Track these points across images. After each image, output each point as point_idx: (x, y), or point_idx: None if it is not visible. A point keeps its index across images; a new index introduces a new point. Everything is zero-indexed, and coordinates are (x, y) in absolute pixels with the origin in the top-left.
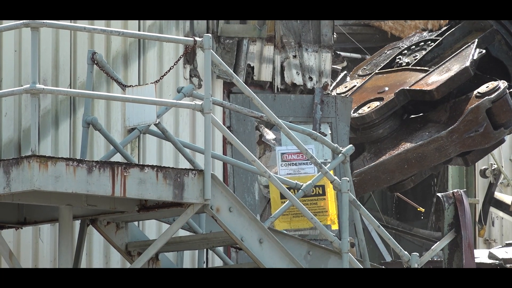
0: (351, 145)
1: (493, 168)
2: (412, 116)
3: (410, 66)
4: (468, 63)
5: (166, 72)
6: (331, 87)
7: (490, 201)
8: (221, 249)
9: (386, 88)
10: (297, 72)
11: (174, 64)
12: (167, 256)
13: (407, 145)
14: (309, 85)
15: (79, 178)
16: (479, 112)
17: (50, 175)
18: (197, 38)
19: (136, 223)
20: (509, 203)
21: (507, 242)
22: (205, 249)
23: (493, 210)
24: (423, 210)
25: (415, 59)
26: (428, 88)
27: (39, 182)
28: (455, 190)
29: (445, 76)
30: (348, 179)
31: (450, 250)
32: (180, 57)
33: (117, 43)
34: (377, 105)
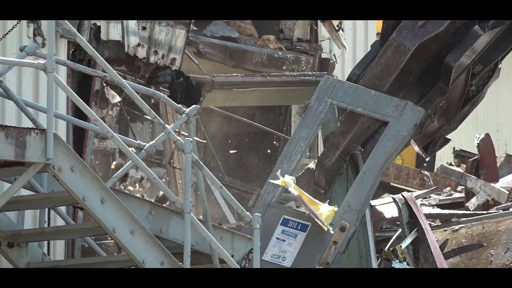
0: (194, 105)
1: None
2: None
3: None
4: None
5: (9, 31)
6: None
7: None
8: (63, 208)
9: None
10: (141, 45)
11: (17, 23)
12: (8, 215)
13: None
14: (152, 59)
15: None
16: None
17: None
18: None
19: None
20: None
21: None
22: (46, 209)
23: None
24: None
25: None
26: None
27: None
28: (404, 193)
29: None
30: (191, 139)
31: (414, 245)
32: None
33: None
34: None
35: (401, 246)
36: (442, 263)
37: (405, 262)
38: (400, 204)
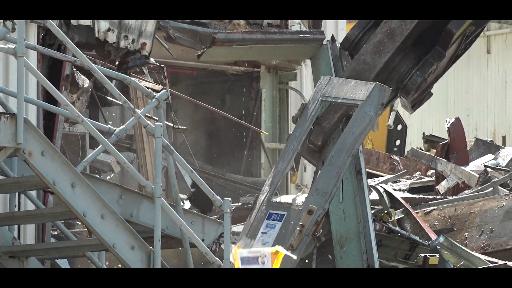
0: (164, 90)
1: None
2: None
3: None
4: None
5: None
6: None
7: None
8: (33, 193)
9: None
10: (112, 30)
11: None
12: None
13: None
14: (123, 44)
15: None
16: None
17: None
18: None
19: None
20: None
21: None
22: (17, 193)
23: None
24: (266, 133)
25: None
26: None
27: None
28: (377, 184)
29: None
30: (161, 124)
31: (400, 225)
32: None
33: None
34: None
35: (394, 211)
36: (432, 233)
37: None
38: (381, 191)
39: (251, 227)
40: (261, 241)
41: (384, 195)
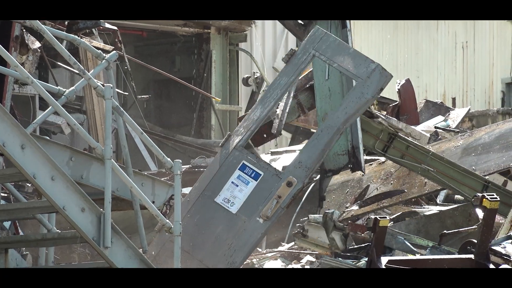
0: (114, 51)
1: (255, 76)
2: None
3: None
4: None
5: None
6: None
7: None
8: None
9: None
10: None
11: None
12: None
13: None
14: None
15: None
16: None
17: None
18: None
19: None
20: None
21: (272, 150)
22: None
23: None
24: (219, 99)
25: None
26: None
27: None
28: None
29: None
30: (111, 85)
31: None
32: None
33: None
34: None
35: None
36: None
37: None
38: None
39: (219, 170)
40: (231, 192)
41: None
